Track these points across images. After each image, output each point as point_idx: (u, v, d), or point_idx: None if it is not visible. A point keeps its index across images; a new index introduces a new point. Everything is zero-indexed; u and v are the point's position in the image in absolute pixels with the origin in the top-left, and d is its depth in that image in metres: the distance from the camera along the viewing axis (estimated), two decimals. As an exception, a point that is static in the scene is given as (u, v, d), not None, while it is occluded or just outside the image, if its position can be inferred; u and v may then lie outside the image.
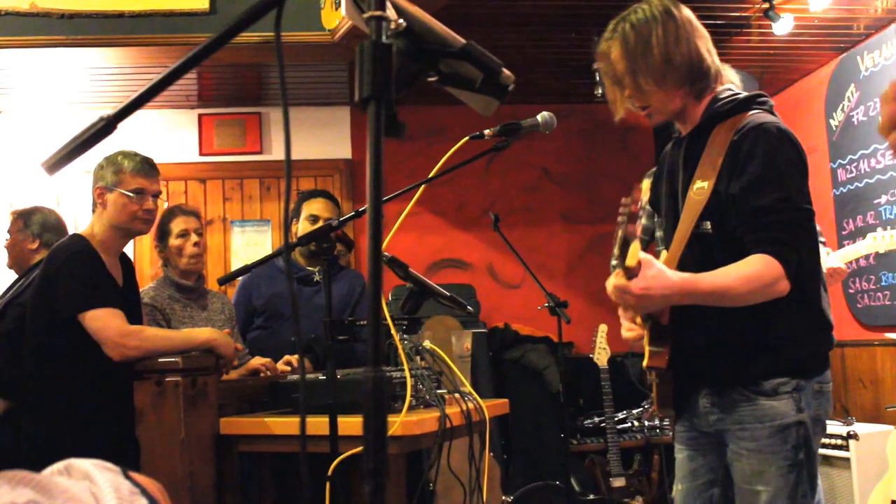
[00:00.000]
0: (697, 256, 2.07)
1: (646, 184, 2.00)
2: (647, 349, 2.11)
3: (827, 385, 2.11)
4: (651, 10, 2.11)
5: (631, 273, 1.92)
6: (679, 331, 2.10)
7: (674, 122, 2.25)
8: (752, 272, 1.96)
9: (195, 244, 3.57)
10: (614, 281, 1.97)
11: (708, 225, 2.07)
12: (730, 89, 2.17)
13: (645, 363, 2.12)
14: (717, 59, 2.16)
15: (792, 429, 2.01)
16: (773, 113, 2.14)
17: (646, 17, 2.10)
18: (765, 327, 2.04)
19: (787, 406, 2.01)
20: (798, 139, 2.08)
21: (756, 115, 2.09)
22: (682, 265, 2.06)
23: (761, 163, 2.00)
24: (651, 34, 2.07)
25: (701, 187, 2.07)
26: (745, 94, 2.16)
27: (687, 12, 2.13)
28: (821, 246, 3.25)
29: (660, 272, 1.94)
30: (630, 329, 2.20)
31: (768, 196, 1.98)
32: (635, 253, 1.89)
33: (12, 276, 3.84)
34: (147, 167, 3.00)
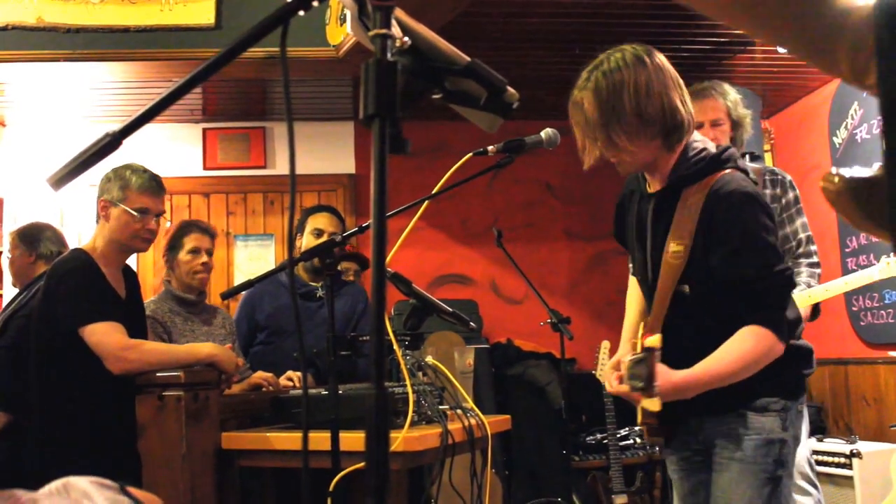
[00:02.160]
0: (679, 315, 2.13)
1: (654, 340, 2.08)
2: (640, 409, 2.15)
3: (803, 406, 2.26)
4: (624, 60, 2.09)
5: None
6: (670, 365, 2.13)
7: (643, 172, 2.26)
8: (747, 351, 2.04)
9: (203, 263, 3.58)
10: (618, 387, 2.12)
11: (686, 288, 2.12)
12: (700, 144, 2.18)
13: (639, 420, 2.17)
14: (690, 108, 2.16)
15: (776, 444, 2.09)
16: (739, 168, 2.17)
17: (619, 68, 2.08)
18: None
19: (773, 423, 2.10)
20: (765, 200, 2.14)
21: (725, 177, 2.12)
22: (666, 323, 2.13)
23: (738, 233, 2.06)
24: (623, 87, 2.06)
25: (677, 251, 2.12)
26: (712, 150, 2.17)
27: (659, 60, 2.12)
28: (805, 273, 3.27)
29: (665, 378, 2.02)
30: (614, 389, 2.22)
31: (750, 267, 2.05)
32: (658, 404, 2.02)
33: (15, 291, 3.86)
34: (154, 186, 3.00)
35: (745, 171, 2.18)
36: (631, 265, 2.54)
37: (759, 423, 2.09)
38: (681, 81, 2.15)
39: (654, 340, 2.05)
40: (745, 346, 2.03)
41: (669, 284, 2.13)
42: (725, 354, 2.04)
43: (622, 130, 2.08)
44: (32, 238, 3.89)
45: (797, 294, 3.14)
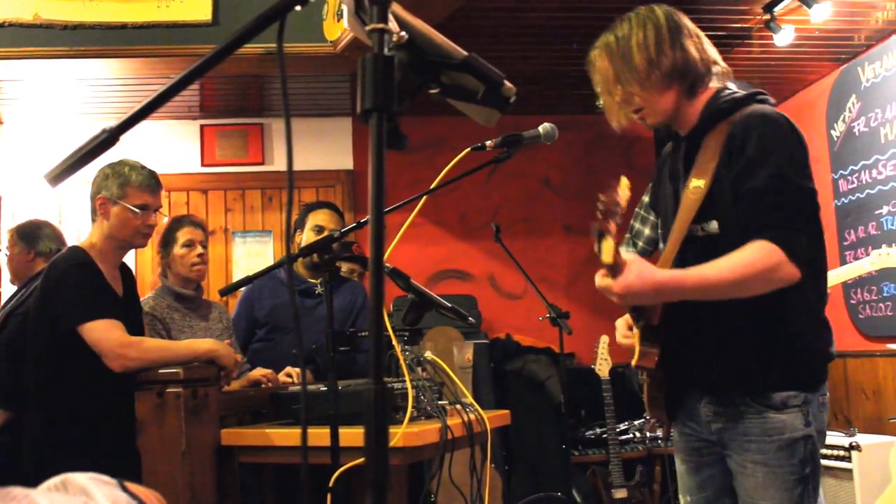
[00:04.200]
0: (701, 258, 1.96)
1: (624, 182, 1.96)
2: (637, 348, 2.07)
3: (826, 397, 2.09)
4: (635, 18, 2.11)
5: (614, 271, 1.88)
6: (677, 331, 2.06)
7: (672, 126, 2.21)
8: (744, 260, 1.88)
9: (199, 255, 3.58)
10: (597, 280, 1.94)
11: (714, 225, 2.01)
12: (730, 89, 2.14)
13: (634, 362, 2.08)
14: (714, 56, 2.13)
15: (800, 442, 1.98)
16: (773, 106, 2.10)
17: (630, 24, 2.10)
18: (770, 330, 2.00)
19: (795, 420, 1.98)
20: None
21: (753, 108, 2.05)
22: (683, 265, 2.00)
23: (753, 145, 1.95)
24: (632, 37, 2.07)
25: (697, 186, 2.02)
26: (745, 92, 2.12)
27: (675, 17, 2.12)
28: None
29: (642, 270, 1.89)
30: (625, 336, 2.18)
31: (760, 176, 1.92)
32: (609, 250, 1.85)
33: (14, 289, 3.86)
34: (153, 183, 3.00)
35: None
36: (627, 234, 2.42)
37: (779, 422, 1.98)
38: (699, 32, 2.13)
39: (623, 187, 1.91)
40: (744, 255, 1.88)
41: (686, 219, 2.04)
42: (723, 261, 1.89)
43: (636, 80, 2.06)
44: (31, 235, 3.89)
45: None
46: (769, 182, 1.91)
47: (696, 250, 2.03)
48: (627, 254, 1.92)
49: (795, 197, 1.93)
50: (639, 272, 1.88)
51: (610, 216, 1.85)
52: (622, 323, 2.21)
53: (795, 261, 1.87)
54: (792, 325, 2.01)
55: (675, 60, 2.06)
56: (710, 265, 1.91)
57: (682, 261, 2.04)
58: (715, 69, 2.13)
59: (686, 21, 2.14)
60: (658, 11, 2.12)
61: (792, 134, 1.98)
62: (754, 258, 1.87)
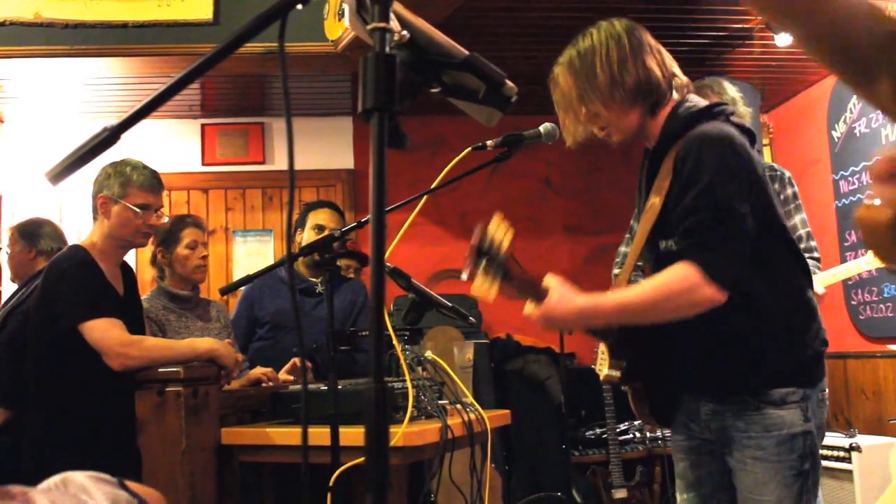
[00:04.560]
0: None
1: (496, 219, 2.01)
2: (605, 362, 2.16)
3: (825, 393, 2.12)
4: (598, 34, 2.10)
5: (538, 298, 2.00)
6: (666, 338, 2.10)
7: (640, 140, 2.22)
8: (661, 283, 1.92)
9: (203, 257, 3.58)
10: (525, 309, 2.04)
11: (671, 244, 2.03)
12: (689, 102, 2.12)
13: (602, 376, 2.14)
14: (674, 71, 2.12)
15: (799, 438, 2.00)
16: (729, 120, 2.09)
17: (591, 41, 2.09)
18: (755, 334, 2.03)
19: (794, 416, 2.00)
20: (747, 142, 2.03)
21: (702, 127, 2.05)
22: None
23: (689, 166, 1.96)
24: (595, 56, 2.06)
25: (653, 203, 2.06)
26: (702, 104, 2.11)
27: (637, 32, 2.10)
28: (810, 263, 3.24)
29: (562, 297, 1.96)
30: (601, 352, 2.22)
31: (689, 195, 1.94)
32: (479, 288, 1.99)
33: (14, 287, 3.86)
34: (155, 182, 3.00)
35: (739, 127, 2.09)
36: (617, 259, 2.48)
37: (779, 417, 1.99)
38: (661, 49, 2.12)
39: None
40: (664, 279, 1.92)
41: (641, 237, 2.08)
42: (644, 284, 1.94)
43: (598, 100, 2.06)
44: (32, 234, 3.88)
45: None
46: (694, 202, 1.93)
47: (659, 267, 2.05)
48: (552, 279, 2.00)
49: (720, 216, 1.92)
50: (558, 299, 1.96)
51: (472, 260, 1.96)
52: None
53: (716, 282, 1.87)
54: (769, 327, 2.03)
55: (639, 78, 2.05)
56: (631, 288, 1.98)
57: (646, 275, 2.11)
58: (675, 82, 2.13)
59: (647, 36, 2.12)
60: (618, 27, 2.10)
61: (730, 153, 1.97)
62: (671, 281, 1.91)
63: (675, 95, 2.13)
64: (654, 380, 2.18)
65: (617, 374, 2.12)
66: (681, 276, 1.89)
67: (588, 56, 2.08)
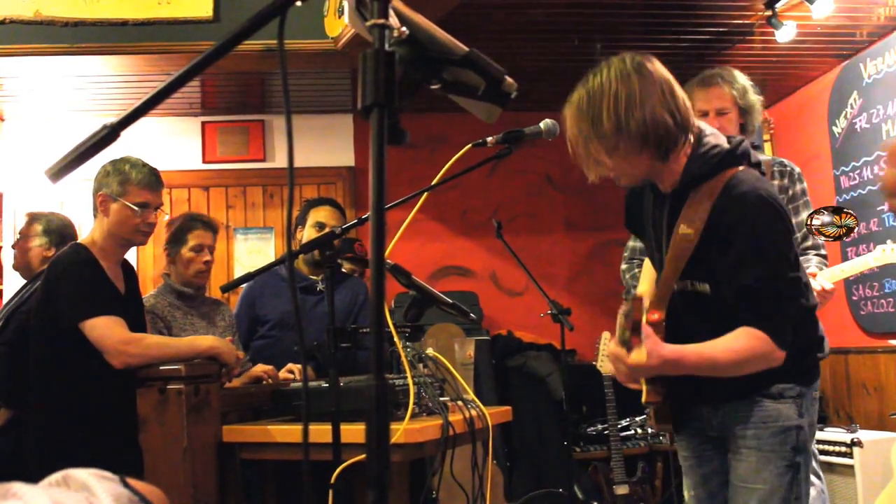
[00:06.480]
0: (690, 313, 2.14)
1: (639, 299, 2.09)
2: (644, 387, 2.17)
3: (818, 393, 2.23)
4: (608, 74, 2.02)
5: (628, 345, 2.04)
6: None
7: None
8: (739, 347, 2.01)
9: (206, 262, 3.57)
10: (612, 348, 2.10)
11: (706, 287, 2.11)
12: (711, 139, 2.10)
13: (644, 399, 2.18)
14: (684, 115, 2.05)
15: (792, 431, 2.10)
16: (752, 164, 2.12)
17: (601, 83, 2.02)
18: None
19: (790, 410, 2.10)
20: (780, 202, 2.07)
21: (739, 175, 2.06)
22: (671, 315, 2.12)
23: (745, 238, 2.00)
24: (602, 102, 2.00)
25: (686, 234, 2.07)
26: (725, 146, 2.10)
27: (650, 69, 2.03)
28: (815, 260, 3.24)
29: (656, 349, 2.00)
30: (611, 350, 2.22)
31: (753, 275, 2.00)
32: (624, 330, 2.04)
33: (18, 278, 3.81)
34: (154, 180, 2.99)
35: (758, 165, 2.13)
36: (625, 253, 2.49)
37: (775, 410, 2.09)
38: (674, 87, 2.05)
39: (645, 299, 2.05)
40: (740, 342, 2.01)
41: (675, 266, 2.10)
42: (720, 343, 2.02)
43: (602, 146, 2.03)
44: (63, 235, 3.79)
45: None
46: (762, 283, 2.00)
47: (685, 302, 2.15)
48: (646, 328, 2.03)
49: (784, 291, 2.04)
50: (655, 348, 2.01)
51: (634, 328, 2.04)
52: (621, 318, 2.24)
53: (783, 346, 2.01)
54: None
55: (647, 127, 2.00)
56: (707, 346, 2.04)
57: (671, 310, 2.14)
58: (691, 123, 2.08)
59: (658, 72, 2.05)
60: (629, 65, 2.03)
61: (779, 221, 2.04)
62: (748, 345, 2.00)
63: (690, 137, 2.09)
64: (672, 390, 2.21)
65: (659, 396, 2.17)
66: (758, 343, 2.00)
67: (596, 99, 2.02)
